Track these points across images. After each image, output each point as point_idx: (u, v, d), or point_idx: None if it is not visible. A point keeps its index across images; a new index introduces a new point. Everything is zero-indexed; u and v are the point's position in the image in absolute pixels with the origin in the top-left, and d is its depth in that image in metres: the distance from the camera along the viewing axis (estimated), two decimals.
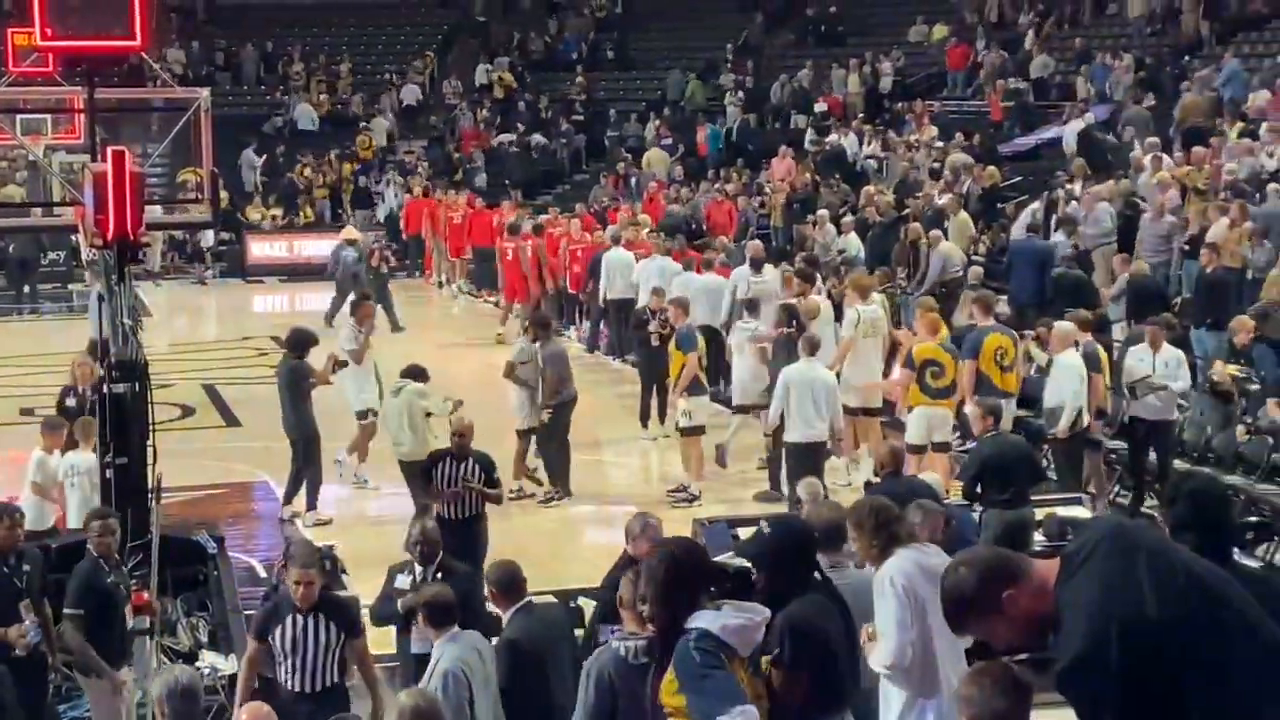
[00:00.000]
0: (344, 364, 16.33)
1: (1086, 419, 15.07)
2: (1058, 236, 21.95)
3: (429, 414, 15.17)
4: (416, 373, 15.47)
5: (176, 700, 7.02)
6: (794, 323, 16.64)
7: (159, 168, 30.52)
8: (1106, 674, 4.20)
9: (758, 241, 24.24)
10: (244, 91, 43.54)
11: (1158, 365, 15.51)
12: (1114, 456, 16.44)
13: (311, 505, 15.88)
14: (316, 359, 16.05)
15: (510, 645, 8.68)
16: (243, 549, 14.81)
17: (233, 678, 10.15)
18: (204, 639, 11.63)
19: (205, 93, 12.30)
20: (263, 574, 14.10)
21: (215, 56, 44.12)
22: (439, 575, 9.87)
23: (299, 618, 8.92)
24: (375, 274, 27.44)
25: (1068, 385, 15.04)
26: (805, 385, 15.11)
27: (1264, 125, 23.29)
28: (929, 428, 15.62)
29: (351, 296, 19.12)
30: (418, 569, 10.05)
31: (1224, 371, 16.26)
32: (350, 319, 17.26)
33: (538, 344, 16.48)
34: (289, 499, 15.97)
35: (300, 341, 16.09)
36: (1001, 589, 4.40)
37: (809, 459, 14.92)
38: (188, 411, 19.93)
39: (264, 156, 39.36)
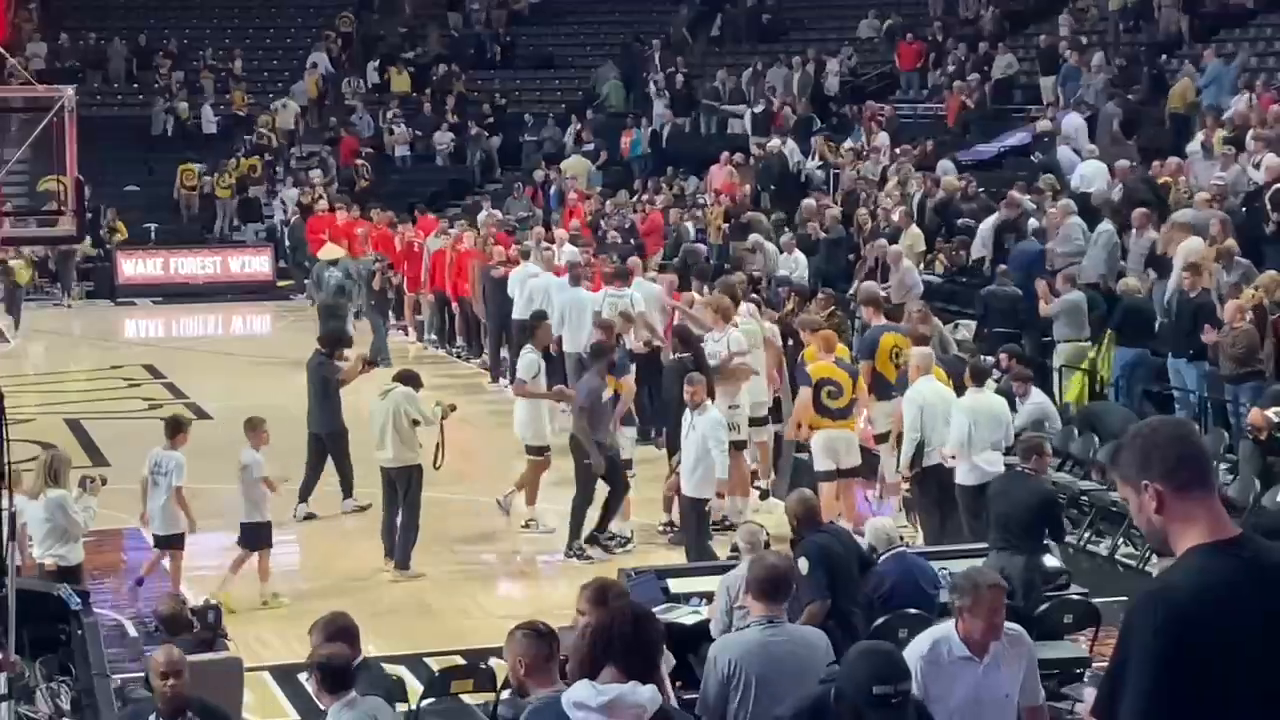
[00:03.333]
0: (373, 364, 17.89)
1: (947, 455, 14.83)
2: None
3: (416, 422, 15.52)
4: (409, 378, 15.99)
5: None
6: (687, 347, 16.63)
7: (17, 175, 30.18)
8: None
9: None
10: (114, 90, 43.16)
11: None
12: (1085, 499, 16.57)
13: (347, 493, 17.64)
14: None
15: None
16: (111, 605, 14.70)
17: None
18: (66, 707, 11.48)
19: (70, 91, 12.21)
20: (133, 633, 13.97)
21: (83, 52, 43.66)
22: None
23: None
24: (378, 298, 27.01)
25: (905, 417, 15.10)
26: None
27: (1249, 134, 23.43)
28: (834, 452, 15.82)
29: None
30: None
31: (1259, 417, 15.22)
32: (529, 345, 17.80)
33: None
34: (304, 496, 17.40)
35: (336, 339, 18.31)
36: None
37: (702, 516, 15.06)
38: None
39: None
